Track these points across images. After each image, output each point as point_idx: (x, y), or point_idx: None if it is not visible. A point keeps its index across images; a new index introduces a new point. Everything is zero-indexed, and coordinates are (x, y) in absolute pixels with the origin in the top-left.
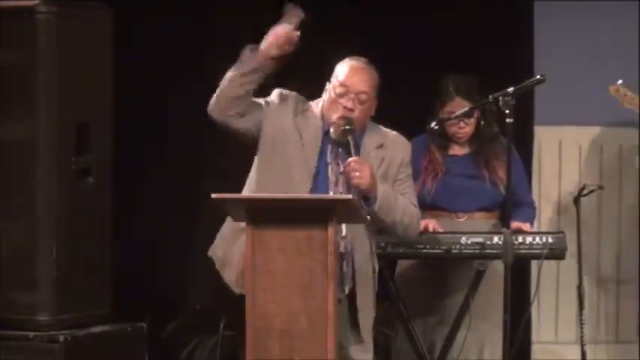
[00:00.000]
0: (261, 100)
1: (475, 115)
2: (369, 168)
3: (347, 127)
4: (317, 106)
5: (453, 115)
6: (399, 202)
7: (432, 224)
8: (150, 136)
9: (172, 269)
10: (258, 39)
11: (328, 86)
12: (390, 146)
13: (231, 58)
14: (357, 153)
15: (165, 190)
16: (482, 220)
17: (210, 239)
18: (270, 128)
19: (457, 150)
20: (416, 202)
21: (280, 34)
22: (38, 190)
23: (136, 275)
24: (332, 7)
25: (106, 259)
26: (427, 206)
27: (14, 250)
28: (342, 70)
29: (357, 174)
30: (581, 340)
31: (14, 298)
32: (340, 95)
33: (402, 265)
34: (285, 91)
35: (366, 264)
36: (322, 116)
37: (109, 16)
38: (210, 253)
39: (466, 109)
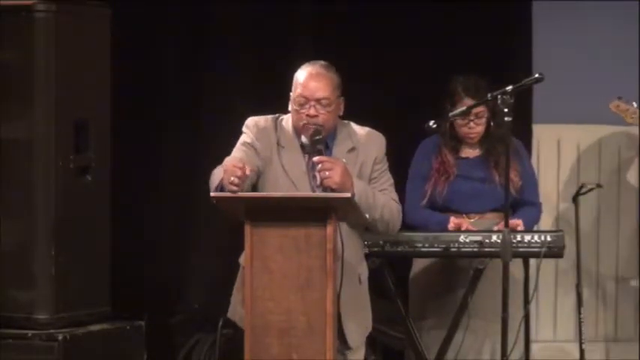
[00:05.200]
0: (245, 150)
1: (486, 115)
2: (341, 167)
3: (317, 138)
4: (289, 121)
5: (451, 114)
6: (378, 199)
7: (464, 223)
8: (149, 136)
9: (171, 268)
10: (257, 38)
11: (291, 95)
12: (361, 147)
13: (231, 58)
14: None
15: (164, 188)
16: (493, 220)
17: (209, 238)
18: (263, 167)
19: (468, 152)
20: (396, 197)
21: (228, 170)
22: (37, 189)
23: (135, 274)
24: (330, 6)
25: (105, 258)
26: (438, 207)
27: (13, 249)
28: (300, 78)
29: (327, 174)
30: (580, 339)
31: (13, 297)
32: (301, 105)
33: (417, 265)
34: (260, 121)
35: (352, 267)
36: (294, 129)
37: (109, 15)
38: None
39: (464, 108)
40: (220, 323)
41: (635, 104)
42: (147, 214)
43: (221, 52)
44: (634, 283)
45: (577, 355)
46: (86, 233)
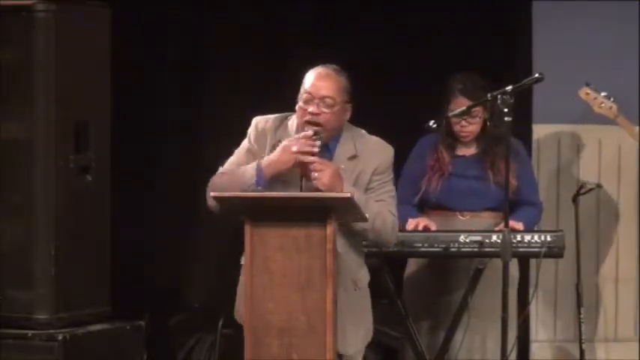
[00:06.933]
0: (245, 152)
1: (480, 115)
2: (332, 170)
3: (314, 138)
4: (295, 120)
5: (451, 114)
6: (370, 208)
7: (423, 222)
8: (149, 136)
9: (171, 268)
10: (257, 38)
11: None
12: (363, 156)
13: (231, 59)
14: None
15: (164, 188)
16: (487, 220)
17: (209, 238)
18: None
19: (464, 150)
20: (394, 211)
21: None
22: (37, 188)
23: (135, 273)
24: (330, 6)
25: (105, 258)
26: (432, 205)
27: (13, 249)
28: (309, 78)
29: (316, 175)
30: (580, 339)
31: (13, 297)
32: (306, 102)
33: (411, 265)
34: (261, 123)
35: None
36: (297, 128)
37: (109, 15)
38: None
39: (463, 107)
40: (220, 323)
41: (603, 94)
42: (147, 214)
43: (221, 53)
44: (634, 283)
45: (577, 355)
46: (86, 233)
